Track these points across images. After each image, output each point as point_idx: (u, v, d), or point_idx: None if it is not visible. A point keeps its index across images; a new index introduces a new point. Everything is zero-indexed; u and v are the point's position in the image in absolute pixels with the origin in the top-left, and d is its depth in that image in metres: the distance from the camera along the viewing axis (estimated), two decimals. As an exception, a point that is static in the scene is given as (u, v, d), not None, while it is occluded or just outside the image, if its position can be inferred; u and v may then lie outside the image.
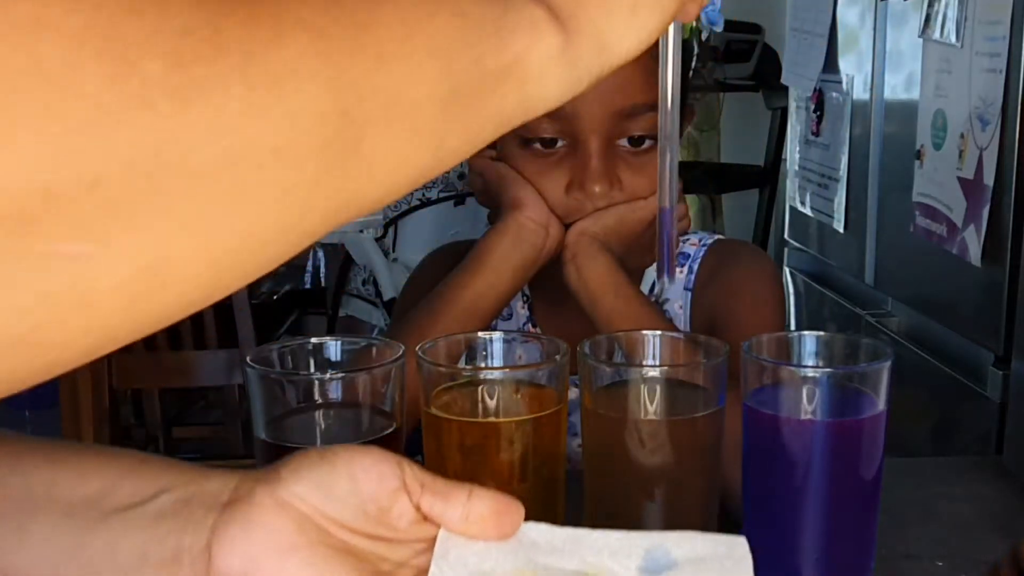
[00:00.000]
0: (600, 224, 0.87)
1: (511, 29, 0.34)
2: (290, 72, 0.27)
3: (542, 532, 0.47)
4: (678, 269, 1.00)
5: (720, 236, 1.04)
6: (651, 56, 0.87)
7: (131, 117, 0.24)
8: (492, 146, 0.95)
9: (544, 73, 0.36)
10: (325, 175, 0.29)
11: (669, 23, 0.41)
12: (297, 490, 0.44)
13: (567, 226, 0.88)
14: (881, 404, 0.61)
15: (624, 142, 0.88)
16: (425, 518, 0.46)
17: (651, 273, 1.00)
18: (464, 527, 0.46)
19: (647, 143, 0.88)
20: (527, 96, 0.36)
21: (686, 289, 0.99)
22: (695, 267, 1.00)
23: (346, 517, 0.45)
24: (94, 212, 0.24)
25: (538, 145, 0.88)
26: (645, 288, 1.00)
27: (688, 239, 1.02)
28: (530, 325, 1.01)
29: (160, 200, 0.25)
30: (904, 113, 1.85)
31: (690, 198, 3.13)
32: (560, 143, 0.87)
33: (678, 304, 0.99)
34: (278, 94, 0.27)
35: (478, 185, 0.94)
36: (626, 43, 0.40)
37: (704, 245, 1.01)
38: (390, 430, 0.64)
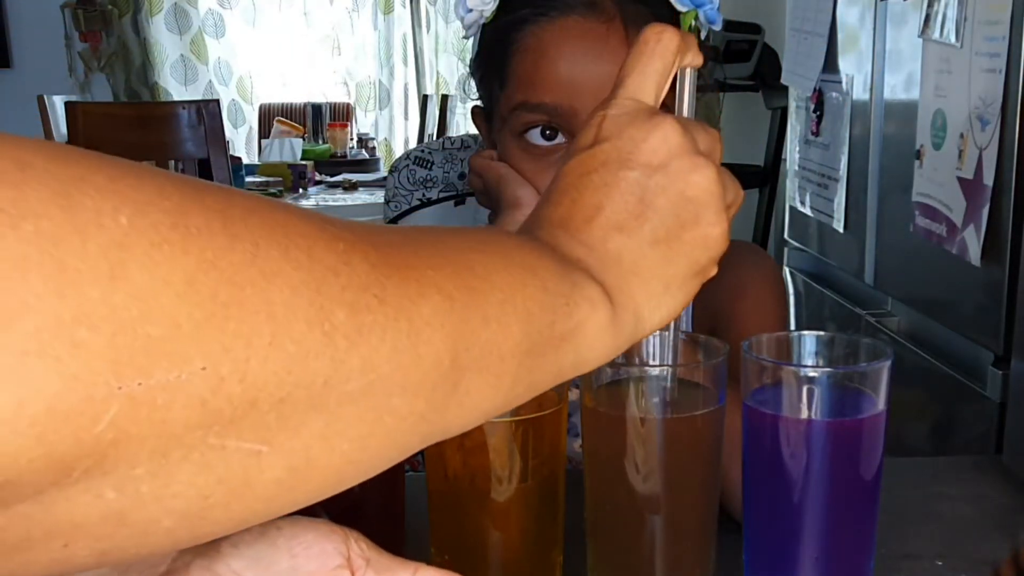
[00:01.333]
0: None
1: (577, 303, 0.42)
2: (425, 324, 0.34)
3: None
4: None
5: None
6: None
7: (319, 354, 0.30)
8: (492, 146, 0.94)
9: (596, 340, 0.43)
10: (430, 409, 0.35)
11: (690, 302, 0.49)
12: (235, 565, 0.45)
13: None
14: (881, 404, 0.61)
15: None
16: None
17: None
18: None
19: None
20: (581, 357, 0.43)
21: None
22: None
23: None
24: (273, 424, 0.30)
25: (538, 137, 0.87)
26: None
27: None
28: None
29: (316, 416, 0.31)
30: (904, 113, 1.85)
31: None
32: (559, 141, 0.87)
33: None
34: (414, 342, 0.33)
35: (478, 185, 0.94)
36: (657, 316, 0.47)
37: None
38: (390, 430, 0.64)
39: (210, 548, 0.45)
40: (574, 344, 0.42)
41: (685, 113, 0.55)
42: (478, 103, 0.98)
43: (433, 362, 0.34)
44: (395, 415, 0.34)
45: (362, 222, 0.36)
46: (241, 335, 0.28)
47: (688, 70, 0.54)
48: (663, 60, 0.51)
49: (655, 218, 0.46)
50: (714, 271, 0.50)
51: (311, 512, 0.60)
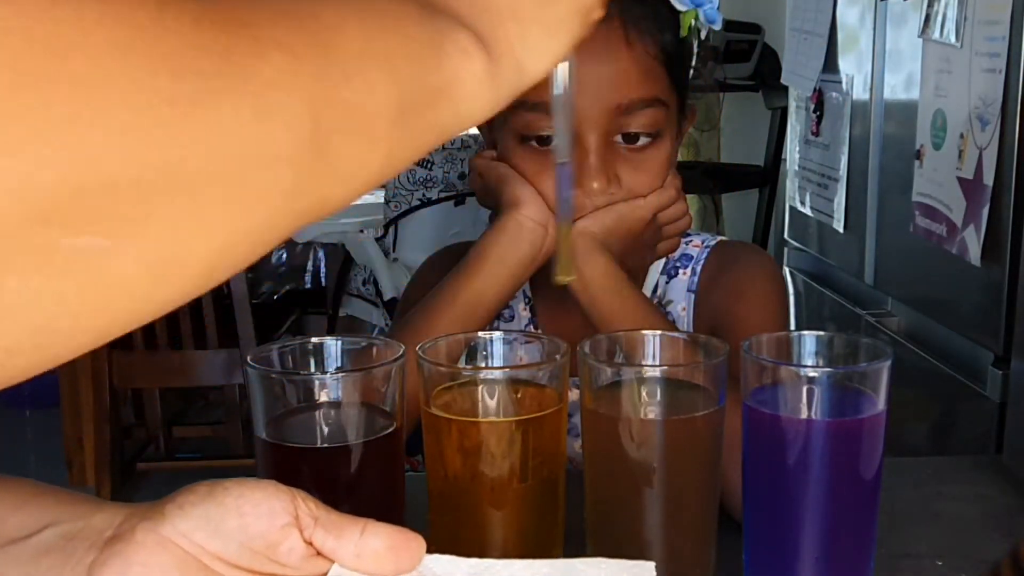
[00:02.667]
0: (599, 223, 0.87)
1: (447, 52, 0.39)
2: (273, 87, 0.30)
3: (444, 564, 0.47)
4: (681, 271, 1.00)
5: (723, 237, 1.04)
6: (648, 53, 0.87)
7: (142, 124, 0.27)
8: (492, 146, 0.95)
9: (473, 91, 0.40)
10: (299, 179, 0.32)
11: (575, 42, 0.45)
12: (182, 527, 0.44)
13: None
14: (881, 404, 0.61)
15: (620, 139, 0.88)
16: (318, 553, 0.46)
17: (654, 273, 1.00)
18: (357, 563, 0.46)
19: (643, 140, 0.88)
20: (459, 112, 0.40)
21: (689, 291, 0.99)
22: (698, 269, 1.00)
23: (231, 553, 0.44)
24: (112, 210, 0.27)
25: (535, 143, 0.88)
26: (649, 287, 1.00)
27: (691, 240, 1.02)
28: (532, 326, 1.01)
29: (167, 201, 0.28)
30: (904, 113, 1.85)
31: (690, 198, 3.13)
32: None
33: (681, 306, 0.99)
34: (265, 106, 0.30)
35: (478, 185, 0.94)
36: (540, 65, 0.44)
37: (707, 247, 1.01)
38: (390, 430, 0.64)
39: (154, 511, 0.45)
40: (451, 97, 0.39)
41: None
42: None
43: (289, 126, 0.31)
44: (259, 191, 0.31)
45: None
46: (37, 111, 0.25)
47: None
48: None
49: None
50: (600, 13, 0.47)
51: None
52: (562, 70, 0.55)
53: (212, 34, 0.29)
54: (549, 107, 0.86)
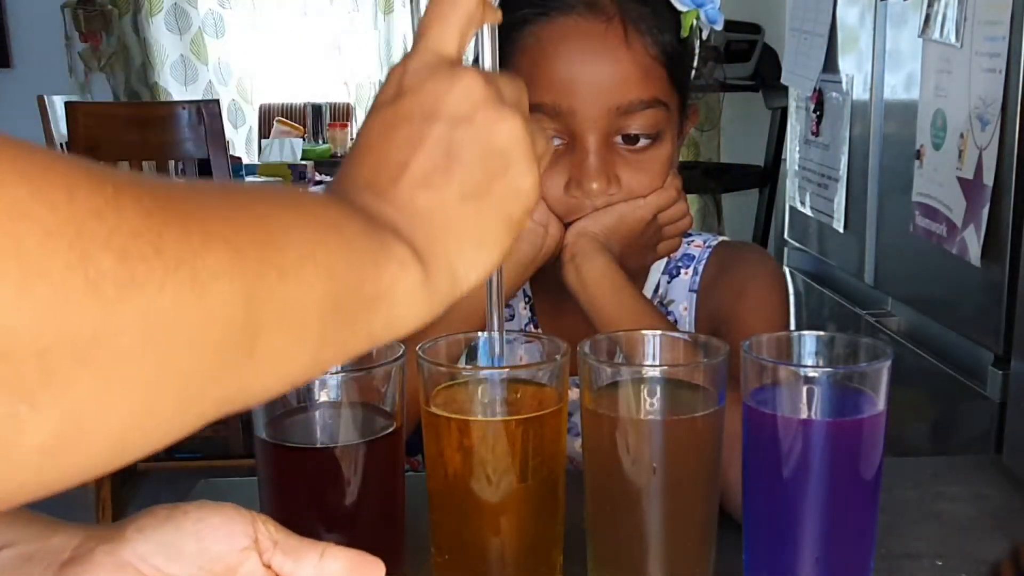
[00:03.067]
0: (600, 224, 0.87)
1: (385, 263, 0.41)
2: (211, 276, 0.32)
3: None
4: (683, 271, 1.00)
5: (724, 238, 1.04)
6: (647, 54, 0.87)
7: (83, 299, 0.28)
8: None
9: (408, 301, 0.42)
10: (222, 368, 0.33)
11: (506, 255, 0.48)
12: (140, 550, 0.45)
13: (567, 225, 0.88)
14: (881, 404, 0.61)
15: (620, 140, 0.88)
16: None
17: (656, 273, 1.00)
18: None
19: (643, 139, 0.88)
20: (393, 319, 0.41)
21: (691, 291, 0.99)
22: (700, 269, 1.00)
23: None
24: (33, 377, 0.27)
25: None
26: (650, 287, 1.00)
27: (692, 240, 1.02)
28: (532, 326, 1.01)
29: (86, 373, 0.28)
30: (904, 113, 1.85)
31: (690, 198, 3.13)
32: (558, 141, 0.88)
33: (683, 306, 0.99)
34: (200, 293, 0.31)
35: None
36: (473, 275, 0.46)
37: (708, 247, 1.01)
38: (390, 430, 0.64)
39: (115, 534, 0.45)
40: (385, 305, 0.40)
41: (488, 67, 0.53)
42: None
43: (222, 315, 0.32)
44: (181, 375, 0.31)
45: (140, 172, 0.33)
46: None
47: (487, 25, 0.53)
48: (465, 10, 0.49)
49: (463, 172, 0.45)
50: (528, 224, 0.48)
51: (311, 510, 0.61)
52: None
53: (163, 223, 0.30)
54: (546, 108, 0.87)
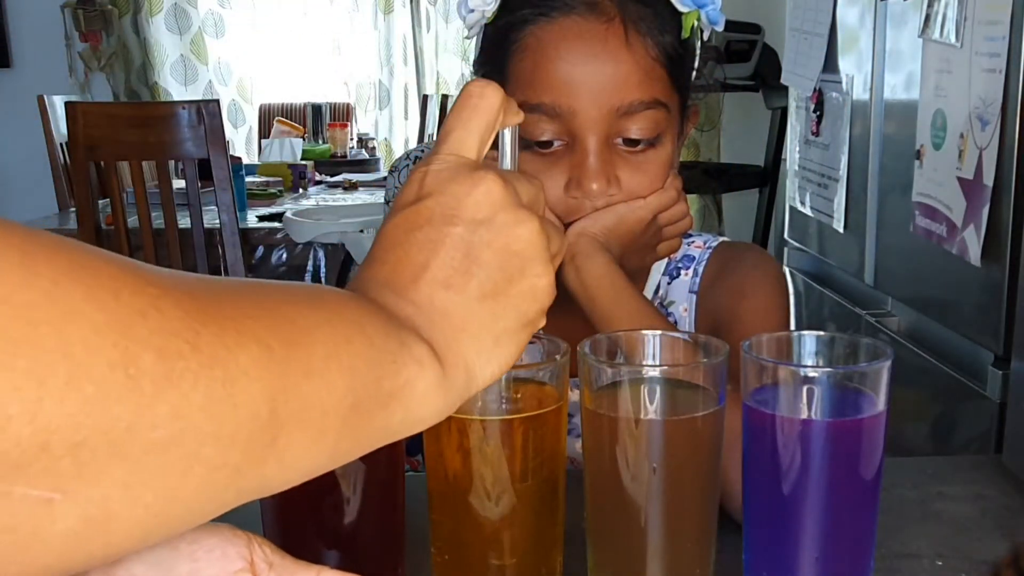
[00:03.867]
0: (599, 224, 0.87)
1: (404, 361, 0.42)
2: (242, 374, 0.33)
3: None
4: (683, 272, 1.00)
5: (725, 238, 1.04)
6: (648, 55, 0.87)
7: (123, 395, 0.29)
8: (494, 147, 0.95)
9: (425, 398, 0.43)
10: (246, 461, 0.34)
11: (522, 352, 0.49)
12: (134, 570, 0.45)
13: (566, 226, 0.88)
14: (881, 404, 0.61)
15: (620, 142, 0.88)
16: None
17: (656, 274, 1.00)
18: None
19: (644, 141, 0.88)
20: (410, 415, 0.43)
21: (691, 292, 0.99)
22: (700, 270, 0.99)
23: None
24: (68, 468, 0.29)
25: (536, 146, 0.88)
26: (650, 288, 1.00)
27: (692, 241, 1.02)
28: None
29: (118, 464, 0.30)
30: (904, 113, 1.85)
31: (690, 198, 3.13)
32: (558, 142, 0.88)
33: (683, 307, 0.99)
34: (230, 391, 0.33)
35: None
36: (488, 371, 0.47)
37: (709, 247, 1.01)
38: (390, 430, 0.64)
39: None
40: (403, 402, 0.42)
41: (508, 167, 0.55)
42: None
43: (249, 413, 0.34)
44: (207, 466, 0.33)
45: (181, 272, 0.35)
46: (33, 373, 0.27)
47: (508, 128, 0.54)
48: (486, 116, 0.51)
49: (481, 273, 0.46)
50: (543, 322, 0.50)
51: (312, 512, 0.60)
52: None
53: (201, 323, 0.32)
54: (546, 108, 0.87)
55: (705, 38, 0.94)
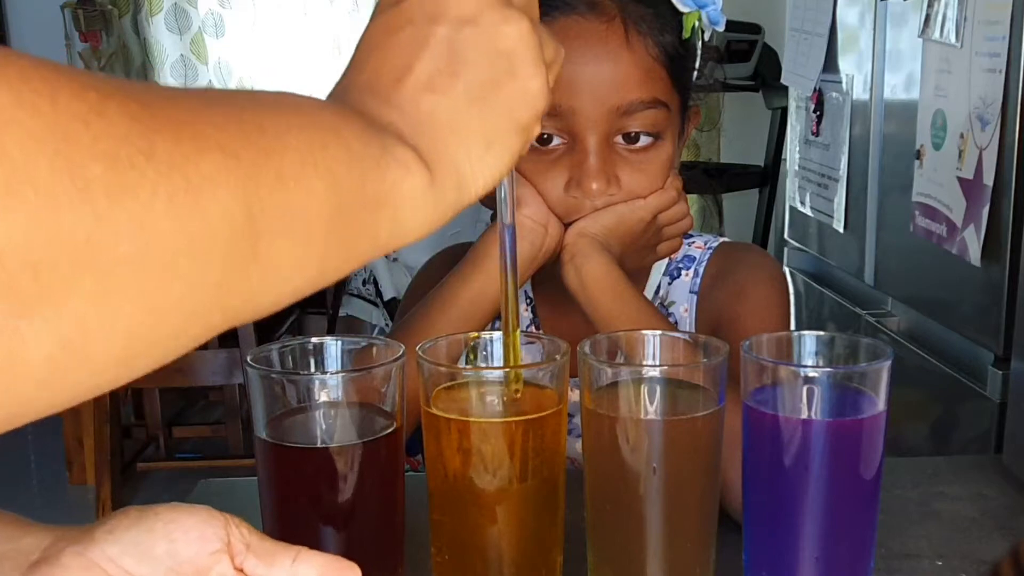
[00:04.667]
0: (599, 224, 0.87)
1: (388, 165, 0.40)
2: (207, 182, 0.31)
3: None
4: (684, 273, 1.00)
5: (725, 239, 1.04)
6: (648, 54, 0.87)
7: (74, 208, 0.27)
8: None
9: (413, 205, 0.41)
10: (227, 276, 0.32)
11: (516, 160, 0.47)
12: (110, 551, 0.45)
13: (567, 226, 0.88)
14: (881, 404, 0.61)
15: (621, 139, 0.88)
16: None
17: (657, 274, 1.00)
18: None
19: (644, 140, 0.88)
20: (398, 223, 0.41)
21: (692, 292, 0.99)
22: (700, 270, 0.99)
23: None
24: (29, 289, 0.27)
25: (535, 143, 0.88)
26: (651, 289, 1.00)
27: (693, 241, 1.02)
28: (533, 327, 1.01)
29: (86, 281, 0.28)
30: (904, 113, 1.85)
31: (691, 198, 3.13)
32: (558, 141, 0.88)
33: (683, 307, 0.99)
34: (195, 200, 0.31)
35: None
36: (481, 180, 0.45)
37: (710, 248, 1.01)
38: (390, 430, 0.64)
39: (84, 535, 0.45)
40: (390, 209, 0.40)
41: None
42: None
43: (222, 222, 0.31)
44: (186, 281, 0.31)
45: (128, 79, 0.33)
46: None
47: None
48: None
49: (468, 74, 0.44)
50: (537, 129, 0.48)
51: (317, 518, 0.60)
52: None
53: (152, 129, 0.30)
54: (549, 108, 0.86)
55: (706, 39, 0.94)
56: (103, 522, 0.46)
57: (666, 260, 1.00)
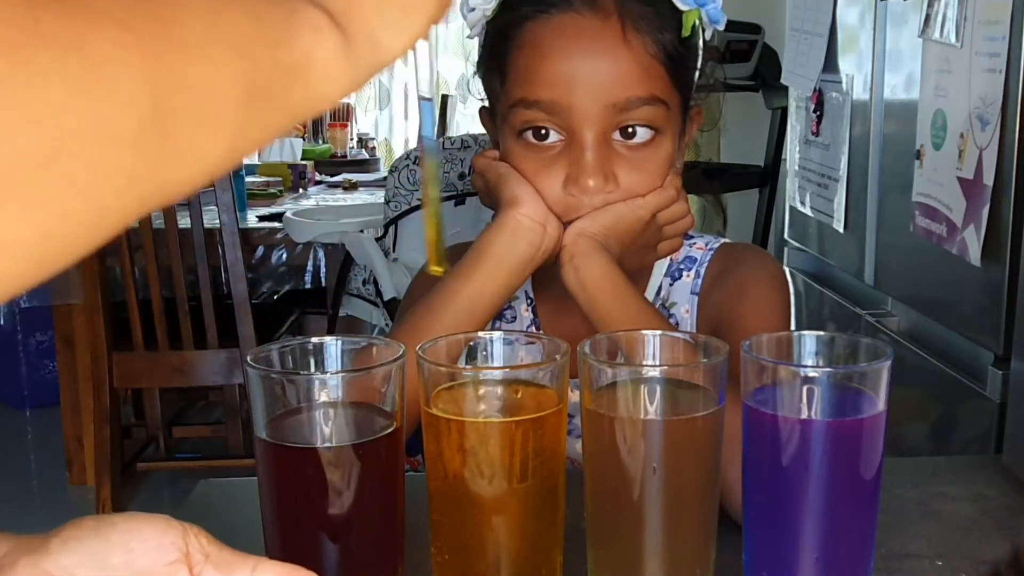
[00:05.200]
0: (598, 223, 0.87)
1: (298, 30, 0.37)
2: (107, 62, 0.29)
3: None
4: (685, 273, 1.00)
5: (726, 240, 1.04)
6: (647, 52, 0.87)
7: None
8: (496, 146, 0.95)
9: (328, 71, 0.39)
10: (140, 161, 0.30)
11: (434, 23, 0.45)
12: (64, 561, 0.44)
13: (566, 225, 0.88)
14: (881, 404, 0.61)
15: (619, 136, 0.88)
16: None
17: (658, 275, 1.00)
18: None
19: (642, 137, 0.88)
20: (313, 91, 0.39)
21: (693, 293, 0.99)
22: (702, 271, 0.99)
23: None
24: None
25: (531, 136, 0.88)
26: (652, 289, 1.00)
27: (694, 242, 1.02)
28: (534, 327, 1.00)
29: None
30: (904, 113, 1.85)
31: (691, 198, 3.13)
32: (556, 138, 0.88)
33: (685, 308, 0.99)
34: (96, 82, 0.28)
35: (480, 185, 0.94)
36: (398, 43, 0.43)
37: (711, 249, 1.01)
38: (390, 430, 0.64)
39: (39, 545, 0.45)
40: (303, 76, 0.38)
41: None
42: (485, 104, 0.99)
43: (128, 105, 0.29)
44: (95, 171, 0.29)
45: None
46: None
47: None
48: None
49: None
50: None
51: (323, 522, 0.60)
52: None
53: (37, 6, 0.28)
54: (544, 105, 0.86)
55: (707, 37, 0.94)
56: (59, 531, 0.45)
57: (667, 261, 1.00)
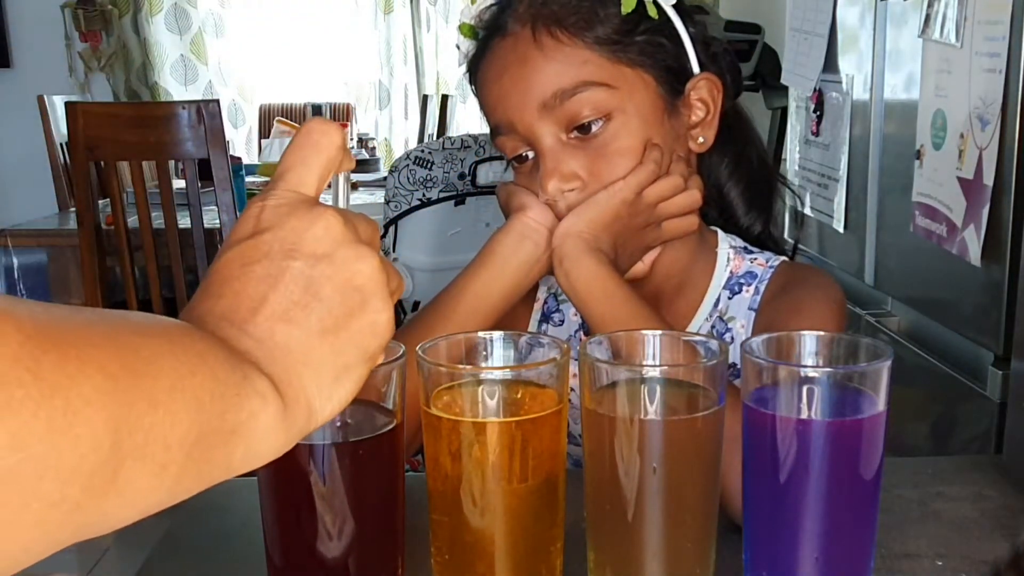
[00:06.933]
0: (583, 219, 0.87)
1: (248, 394, 0.42)
2: (85, 404, 0.32)
3: None
4: (745, 288, 0.99)
5: (785, 258, 1.02)
6: (564, 44, 0.89)
7: None
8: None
9: (267, 434, 0.43)
10: (86, 496, 0.33)
11: (360, 386, 0.49)
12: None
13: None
14: (881, 404, 0.61)
15: (577, 133, 0.88)
16: None
17: (717, 287, 0.99)
18: None
19: (596, 126, 0.88)
20: (251, 451, 0.42)
21: (751, 309, 0.97)
22: (761, 288, 0.98)
23: None
24: None
25: (516, 162, 0.93)
26: (710, 302, 0.98)
27: (755, 258, 1.00)
28: (583, 332, 1.00)
29: None
30: (904, 113, 1.85)
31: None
32: (530, 154, 0.91)
33: (741, 323, 0.97)
34: (72, 421, 0.32)
35: (501, 204, 0.96)
36: (329, 407, 0.47)
37: (771, 267, 0.99)
38: (390, 428, 0.64)
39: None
40: (244, 437, 0.41)
41: (341, 206, 0.55)
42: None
43: (91, 445, 0.33)
44: (45, 501, 0.32)
45: (16, 297, 0.34)
46: None
47: (342, 174, 0.54)
48: (327, 154, 0.51)
49: (321, 308, 0.46)
50: (381, 358, 0.50)
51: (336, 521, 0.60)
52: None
53: (41, 349, 0.31)
54: (502, 128, 0.89)
55: (663, 7, 0.92)
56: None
57: (727, 274, 0.99)
